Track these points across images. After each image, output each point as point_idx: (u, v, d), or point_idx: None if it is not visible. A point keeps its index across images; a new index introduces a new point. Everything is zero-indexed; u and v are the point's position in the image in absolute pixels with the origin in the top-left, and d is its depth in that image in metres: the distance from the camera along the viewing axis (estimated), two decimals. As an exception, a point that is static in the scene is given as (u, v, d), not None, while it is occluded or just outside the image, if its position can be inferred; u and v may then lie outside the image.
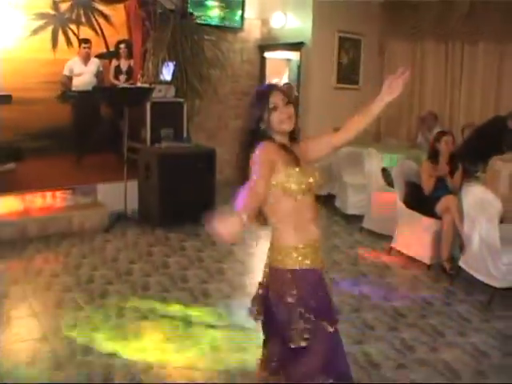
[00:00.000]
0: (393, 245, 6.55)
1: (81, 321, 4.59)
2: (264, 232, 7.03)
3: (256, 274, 5.84)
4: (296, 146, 2.85)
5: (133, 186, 7.52)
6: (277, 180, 2.66)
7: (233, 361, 4.05)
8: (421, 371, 3.99)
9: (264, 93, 2.82)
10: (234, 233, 2.23)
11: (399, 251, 6.44)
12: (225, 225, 2.24)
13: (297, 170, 2.67)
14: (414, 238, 6.26)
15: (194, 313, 4.80)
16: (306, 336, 2.66)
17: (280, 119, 2.74)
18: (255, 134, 2.78)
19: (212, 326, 4.57)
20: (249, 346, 4.17)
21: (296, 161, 2.71)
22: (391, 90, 2.71)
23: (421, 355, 4.21)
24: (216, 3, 10.01)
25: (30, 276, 5.65)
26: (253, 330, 4.26)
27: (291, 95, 2.83)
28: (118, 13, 9.90)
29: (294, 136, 2.89)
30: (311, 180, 2.71)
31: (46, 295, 5.20)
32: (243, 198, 2.43)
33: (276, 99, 2.75)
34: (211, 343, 4.26)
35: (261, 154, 2.67)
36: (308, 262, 2.74)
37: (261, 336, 2.93)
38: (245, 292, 5.28)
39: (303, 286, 2.73)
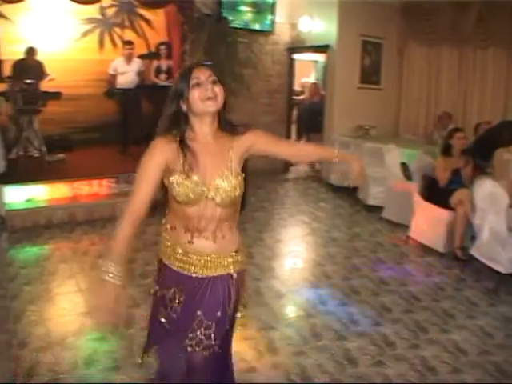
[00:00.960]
0: (409, 234, 6.68)
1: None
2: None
3: (284, 258, 6.08)
4: (226, 140, 2.44)
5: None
6: (168, 181, 2.35)
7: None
8: (432, 349, 4.11)
9: (188, 68, 2.36)
10: (114, 304, 2.19)
11: (415, 240, 6.57)
12: (101, 307, 2.19)
13: (194, 178, 2.31)
14: (429, 227, 6.37)
15: None
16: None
17: (202, 96, 2.29)
18: (175, 118, 2.37)
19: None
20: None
21: (194, 166, 2.32)
22: (356, 174, 2.60)
23: (432, 335, 4.33)
24: (248, 8, 10.14)
25: (77, 256, 5.89)
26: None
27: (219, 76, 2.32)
28: (158, 17, 10.06)
29: (225, 124, 2.46)
30: (211, 192, 2.34)
31: (91, 274, 5.38)
32: (111, 243, 2.29)
33: (200, 74, 2.32)
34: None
35: (146, 157, 2.33)
36: (176, 263, 2.47)
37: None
38: (271, 275, 5.46)
39: (165, 279, 2.53)
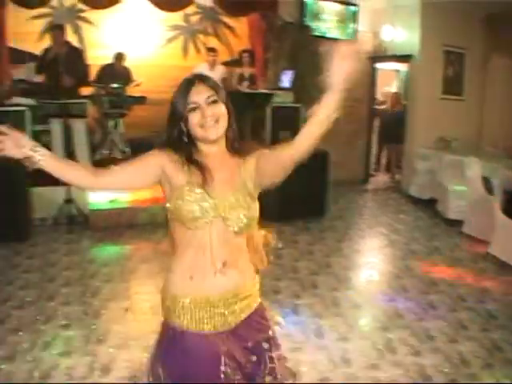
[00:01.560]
0: (489, 250, 6.42)
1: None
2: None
3: (361, 269, 6.01)
4: (235, 161, 2.10)
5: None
6: (170, 201, 2.00)
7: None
8: (507, 370, 3.91)
9: (185, 87, 2.02)
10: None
11: (495, 256, 6.29)
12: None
13: (198, 191, 1.96)
14: (510, 245, 6.14)
15: (303, 301, 4.86)
16: None
17: (201, 123, 2.00)
18: (179, 140, 2.04)
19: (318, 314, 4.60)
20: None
21: (204, 179, 1.98)
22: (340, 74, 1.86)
23: (509, 355, 4.12)
24: (331, 17, 10.07)
25: (158, 257, 5.90)
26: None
27: (222, 91, 1.99)
28: (241, 25, 10.18)
29: (232, 143, 2.11)
30: (221, 212, 1.98)
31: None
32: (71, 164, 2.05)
33: (197, 97, 2.00)
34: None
35: (151, 153, 2.04)
36: (193, 324, 2.00)
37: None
38: (348, 286, 5.38)
39: (175, 353, 2.02)
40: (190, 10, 9.85)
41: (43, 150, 1.90)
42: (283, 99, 8.50)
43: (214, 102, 2.00)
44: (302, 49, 8.90)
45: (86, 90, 8.26)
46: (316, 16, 9.78)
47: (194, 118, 1.99)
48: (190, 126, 2.01)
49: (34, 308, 4.65)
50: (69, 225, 6.94)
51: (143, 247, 6.36)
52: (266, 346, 2.11)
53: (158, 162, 2.00)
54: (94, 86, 8.21)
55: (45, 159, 1.91)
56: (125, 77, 8.78)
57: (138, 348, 3.91)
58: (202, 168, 1.99)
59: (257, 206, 2.09)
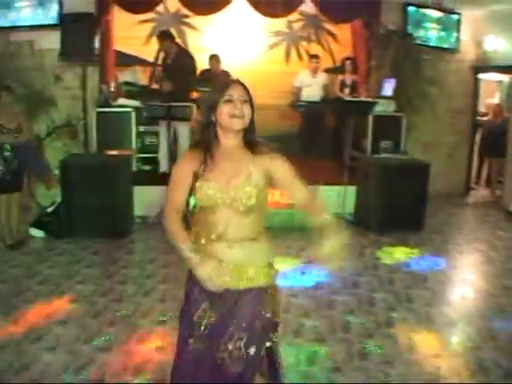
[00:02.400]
0: None
1: (294, 307, 4.77)
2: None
3: (457, 285, 5.79)
4: (248, 155, 2.49)
5: (351, 190, 7.61)
6: (194, 187, 2.44)
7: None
8: None
9: (224, 84, 2.49)
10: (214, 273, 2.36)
11: None
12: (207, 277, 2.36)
13: (211, 183, 2.41)
14: None
15: (397, 314, 4.75)
16: None
17: (231, 113, 2.40)
18: (207, 128, 2.49)
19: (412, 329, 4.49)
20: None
21: (213, 172, 2.42)
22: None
23: None
24: (433, 25, 9.83)
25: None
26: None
27: (252, 97, 2.43)
28: (344, 32, 10.11)
29: (248, 141, 2.53)
30: (229, 198, 2.40)
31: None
32: (174, 236, 2.48)
33: (234, 92, 2.43)
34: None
35: (176, 168, 2.56)
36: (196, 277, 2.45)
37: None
38: (444, 302, 5.22)
39: (190, 291, 2.57)
40: (294, 16, 9.87)
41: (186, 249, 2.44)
42: (385, 108, 8.38)
43: (245, 101, 2.43)
44: (404, 57, 8.71)
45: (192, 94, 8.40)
46: (418, 24, 9.54)
47: (226, 108, 2.41)
48: (219, 115, 2.43)
49: (131, 302, 4.79)
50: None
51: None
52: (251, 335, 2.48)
53: (187, 168, 2.47)
54: (199, 91, 8.31)
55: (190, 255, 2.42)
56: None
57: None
58: (214, 160, 2.44)
59: (264, 193, 2.50)
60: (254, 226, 2.51)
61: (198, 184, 2.41)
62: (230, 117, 2.40)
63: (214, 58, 9.15)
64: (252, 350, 2.46)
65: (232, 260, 2.46)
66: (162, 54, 7.99)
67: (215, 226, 2.44)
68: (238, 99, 2.41)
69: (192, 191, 2.45)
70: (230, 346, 2.44)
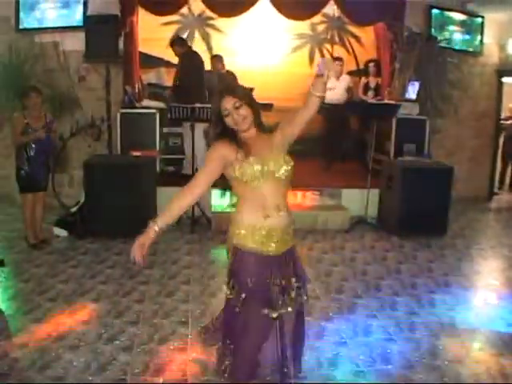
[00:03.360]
0: None
1: (317, 310, 4.76)
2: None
3: (480, 291, 5.72)
4: (267, 136, 2.95)
5: (374, 194, 7.55)
6: (233, 171, 2.82)
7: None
8: None
9: (218, 98, 2.88)
10: (146, 241, 2.81)
11: None
12: (136, 246, 2.83)
13: (250, 159, 2.80)
14: None
15: (419, 319, 4.69)
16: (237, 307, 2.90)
17: (234, 122, 2.84)
18: (225, 131, 2.88)
19: (434, 334, 4.42)
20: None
21: (250, 151, 2.83)
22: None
23: None
24: (457, 28, 9.74)
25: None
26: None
27: (245, 95, 2.92)
28: (367, 34, 10.08)
29: (261, 127, 2.97)
30: (270, 168, 2.83)
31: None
32: (170, 204, 2.86)
33: (227, 105, 2.82)
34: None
35: (211, 152, 2.90)
36: (253, 245, 2.87)
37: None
38: (467, 307, 5.13)
39: (241, 265, 2.92)
40: (317, 19, 9.85)
41: (153, 225, 2.84)
42: (409, 111, 8.32)
43: (240, 106, 2.82)
44: (428, 60, 8.64)
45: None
46: (442, 27, 9.47)
47: (228, 121, 2.85)
48: (227, 124, 2.86)
49: (153, 303, 4.81)
50: (192, 226, 7.08)
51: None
52: (293, 279, 3.00)
53: (221, 153, 2.84)
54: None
55: (157, 229, 2.82)
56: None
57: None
58: (246, 145, 2.86)
59: (290, 158, 2.93)
60: (286, 196, 2.99)
61: (239, 166, 2.80)
62: (235, 125, 2.85)
63: (216, 59, 9.15)
64: (304, 298, 3.07)
65: (277, 227, 2.90)
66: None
67: (263, 199, 2.85)
68: (232, 109, 2.82)
69: (231, 177, 2.88)
70: (293, 295, 2.96)
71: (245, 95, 2.89)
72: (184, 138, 8.19)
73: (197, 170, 6.95)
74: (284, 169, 2.84)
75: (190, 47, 8.39)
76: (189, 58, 7.99)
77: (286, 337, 3.05)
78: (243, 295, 2.87)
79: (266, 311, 2.87)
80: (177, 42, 8.10)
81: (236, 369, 3.00)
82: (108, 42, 7.56)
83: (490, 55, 10.13)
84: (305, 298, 3.05)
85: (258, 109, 2.93)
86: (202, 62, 8.19)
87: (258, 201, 2.85)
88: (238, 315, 2.91)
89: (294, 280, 2.97)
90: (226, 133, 2.88)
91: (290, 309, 2.94)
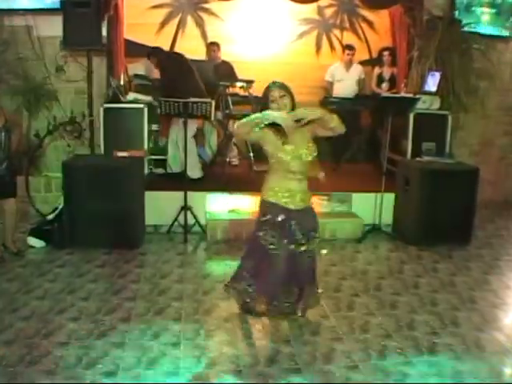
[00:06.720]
0: None
1: (325, 329, 4.77)
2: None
3: (509, 308, 5.70)
4: (299, 126, 4.23)
5: (389, 198, 7.54)
6: (270, 150, 4.36)
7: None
8: None
9: (267, 88, 4.37)
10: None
11: None
12: None
13: (283, 145, 4.30)
14: None
15: (441, 340, 4.67)
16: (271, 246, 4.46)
17: (276, 108, 4.27)
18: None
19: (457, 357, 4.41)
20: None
21: (285, 137, 4.27)
22: None
23: None
24: (485, 9, 9.65)
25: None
26: None
27: (288, 90, 4.48)
28: (382, 19, 10.07)
29: (296, 119, 4.20)
30: (300, 151, 4.32)
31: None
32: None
33: (274, 93, 4.31)
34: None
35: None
36: (277, 200, 4.39)
37: None
38: (496, 326, 5.08)
39: (272, 211, 4.42)
40: (325, 1, 9.87)
41: None
42: (428, 105, 8.31)
43: (284, 95, 4.31)
44: (451, 47, 8.63)
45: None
46: (468, 8, 9.42)
47: (272, 105, 4.30)
48: (272, 109, 4.28)
49: (141, 322, 4.80)
50: (184, 234, 7.09)
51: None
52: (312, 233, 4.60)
53: (266, 132, 4.35)
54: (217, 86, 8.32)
55: None
56: (228, 74, 8.85)
57: (250, 376, 3.97)
58: (283, 131, 4.24)
59: (314, 147, 4.44)
60: (307, 169, 4.45)
61: (279, 150, 4.30)
62: (277, 109, 4.24)
63: (211, 47, 9.16)
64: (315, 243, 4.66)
65: (299, 190, 4.43)
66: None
67: (292, 171, 4.36)
68: (278, 97, 4.30)
69: (273, 153, 4.36)
70: (307, 240, 4.53)
71: (288, 89, 4.36)
72: (170, 134, 8.14)
73: (185, 170, 7.01)
74: (310, 153, 4.37)
75: (168, 52, 8.48)
76: (166, 66, 8.03)
77: (300, 266, 4.64)
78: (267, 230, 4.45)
79: (285, 241, 4.43)
80: (150, 55, 8.23)
81: (261, 288, 4.65)
82: (89, 28, 7.49)
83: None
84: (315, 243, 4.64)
85: (294, 103, 4.36)
86: (183, 64, 8.14)
87: (285, 172, 4.36)
88: (265, 246, 4.47)
89: (309, 229, 4.52)
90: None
91: (303, 248, 4.52)
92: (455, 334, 4.79)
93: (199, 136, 8.47)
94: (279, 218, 4.38)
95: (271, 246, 4.43)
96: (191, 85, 7.86)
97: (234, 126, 4.74)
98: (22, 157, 7.54)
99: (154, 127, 8.48)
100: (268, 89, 4.35)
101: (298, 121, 4.22)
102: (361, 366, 4.16)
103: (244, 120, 4.25)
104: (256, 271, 4.63)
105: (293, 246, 4.46)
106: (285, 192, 4.37)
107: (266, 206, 4.47)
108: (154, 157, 8.40)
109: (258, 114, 4.27)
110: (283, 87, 4.34)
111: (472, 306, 5.43)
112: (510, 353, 4.57)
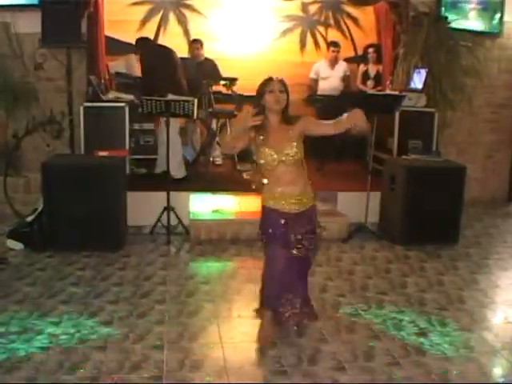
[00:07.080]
0: None
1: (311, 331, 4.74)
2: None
3: (500, 307, 5.71)
4: (286, 127, 4.19)
5: (375, 197, 7.55)
6: (259, 158, 4.26)
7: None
8: None
9: (268, 80, 4.20)
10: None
11: None
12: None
13: (266, 150, 4.17)
14: None
15: (428, 340, 4.67)
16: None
17: (274, 99, 4.12)
18: (260, 110, 4.19)
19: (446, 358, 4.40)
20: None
21: (268, 140, 4.17)
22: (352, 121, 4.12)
23: None
24: (472, 6, 9.70)
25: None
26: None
27: (287, 88, 4.35)
28: (367, 15, 10.11)
29: (286, 118, 4.23)
30: (282, 157, 4.15)
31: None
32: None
33: (274, 85, 4.16)
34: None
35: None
36: (275, 206, 4.30)
37: None
38: (485, 326, 5.09)
39: (270, 217, 4.38)
40: (308, -2, 9.87)
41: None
42: (414, 103, 8.32)
43: (282, 91, 4.15)
44: (437, 44, 8.65)
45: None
46: (454, 5, 9.45)
47: (270, 96, 4.14)
48: (266, 101, 4.15)
49: (123, 325, 4.75)
50: (167, 235, 7.07)
51: (248, 265, 6.36)
52: (310, 235, 4.45)
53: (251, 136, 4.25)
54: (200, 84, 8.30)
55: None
56: (212, 73, 8.83)
57: (235, 378, 3.94)
58: (267, 133, 4.20)
59: (302, 147, 4.24)
60: (300, 171, 4.33)
61: (261, 150, 4.19)
62: (273, 103, 4.12)
63: (194, 44, 9.14)
64: (313, 245, 4.50)
65: (295, 194, 4.29)
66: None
67: (280, 176, 4.24)
68: (277, 90, 4.12)
69: (257, 156, 4.27)
70: (305, 243, 4.39)
71: (287, 87, 4.21)
72: (158, 135, 8.14)
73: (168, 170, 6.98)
74: (293, 156, 4.16)
75: (155, 45, 8.44)
76: (147, 60, 8.01)
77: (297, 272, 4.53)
78: (265, 238, 4.44)
79: (281, 245, 4.33)
80: (137, 44, 8.29)
81: (266, 291, 4.55)
82: (69, 24, 7.48)
83: (510, 37, 10.12)
84: (311, 247, 4.46)
85: (288, 103, 4.21)
86: (168, 59, 8.13)
87: (274, 177, 4.27)
88: (265, 253, 4.55)
89: (305, 231, 4.37)
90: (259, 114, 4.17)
91: (296, 251, 4.37)
92: (443, 335, 4.79)
93: (182, 135, 8.44)
94: (281, 222, 4.29)
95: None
96: (171, 81, 7.85)
97: (221, 141, 4.85)
98: (0, 157, 7.47)
99: (136, 126, 8.44)
100: (267, 81, 4.18)
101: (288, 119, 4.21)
102: (347, 367, 4.14)
103: (228, 134, 4.35)
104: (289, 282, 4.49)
105: (291, 250, 4.34)
106: (280, 197, 4.27)
107: (266, 212, 4.40)
108: (136, 156, 8.35)
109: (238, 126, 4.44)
110: (283, 83, 4.22)
111: (460, 306, 5.44)
112: (498, 353, 4.58)
